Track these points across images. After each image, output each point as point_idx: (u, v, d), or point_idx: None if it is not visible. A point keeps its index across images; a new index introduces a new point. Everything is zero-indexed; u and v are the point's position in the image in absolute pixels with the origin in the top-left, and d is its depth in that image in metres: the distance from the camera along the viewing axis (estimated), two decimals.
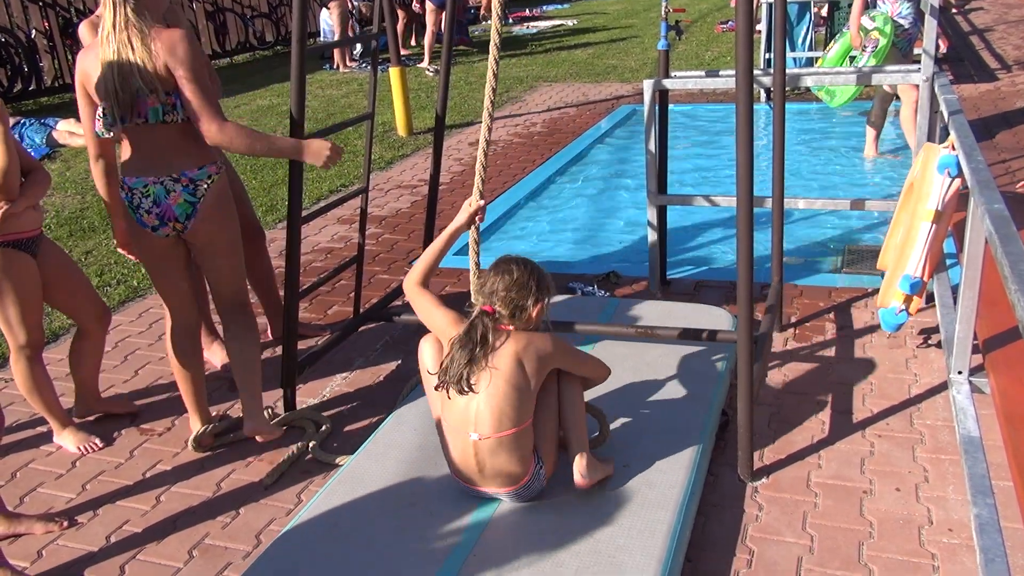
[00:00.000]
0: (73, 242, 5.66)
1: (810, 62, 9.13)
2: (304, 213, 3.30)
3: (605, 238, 5.48)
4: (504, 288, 2.50)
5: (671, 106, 4.08)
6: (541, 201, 6.27)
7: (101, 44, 2.66)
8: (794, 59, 8.86)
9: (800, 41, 9.04)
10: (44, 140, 8.10)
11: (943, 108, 3.11)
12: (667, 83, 3.97)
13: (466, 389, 2.44)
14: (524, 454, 2.50)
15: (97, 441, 3.33)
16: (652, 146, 4.02)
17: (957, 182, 2.99)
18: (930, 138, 3.61)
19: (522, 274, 2.51)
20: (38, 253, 3.09)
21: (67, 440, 3.31)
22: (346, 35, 12.15)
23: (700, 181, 6.50)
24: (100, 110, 2.74)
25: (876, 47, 5.38)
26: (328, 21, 12.41)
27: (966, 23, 12.55)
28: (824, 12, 9.90)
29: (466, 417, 2.49)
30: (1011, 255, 1.64)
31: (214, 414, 3.38)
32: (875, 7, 5.91)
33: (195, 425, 3.24)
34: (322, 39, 12.88)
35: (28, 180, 3.01)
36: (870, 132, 6.48)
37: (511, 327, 2.52)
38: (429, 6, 11.57)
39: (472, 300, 2.78)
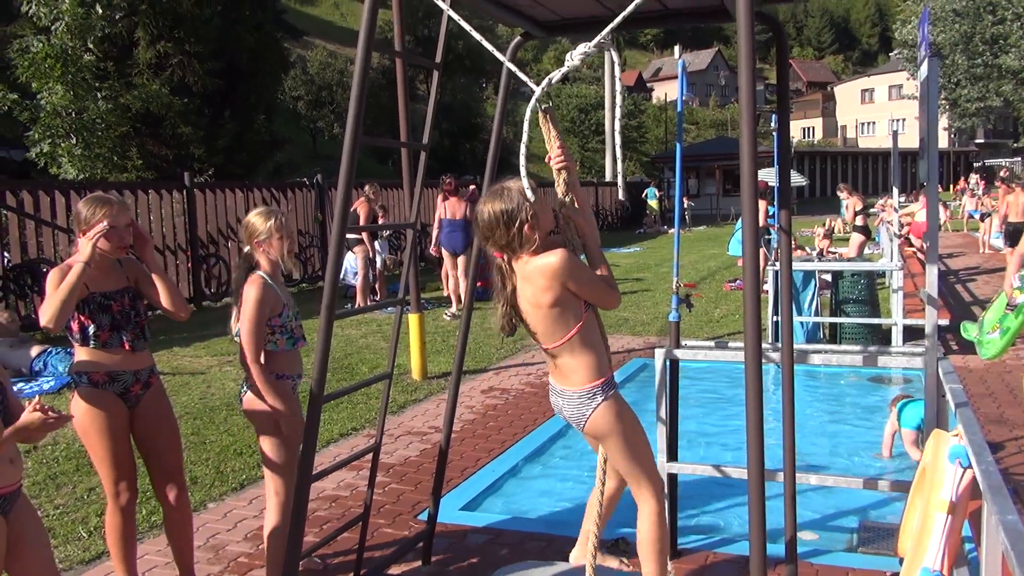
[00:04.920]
0: (79, 477, 5.62)
1: (816, 327, 9.41)
2: (315, 471, 3.31)
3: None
4: (488, 233, 2.84)
5: (683, 361, 4.19)
6: (546, 459, 6.12)
7: None
8: (801, 323, 9.13)
9: (807, 305, 9.35)
10: (67, 369, 8.25)
11: (949, 397, 3.17)
12: (678, 353, 4.09)
13: (513, 324, 3.00)
14: (576, 366, 3.04)
15: None
16: (663, 413, 4.07)
17: (971, 472, 2.97)
18: (939, 424, 3.64)
19: (492, 213, 2.80)
20: (9, 513, 2.72)
21: None
22: (368, 279, 12.68)
23: (712, 441, 6.48)
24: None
25: None
26: (352, 265, 13.02)
27: (966, 293, 13.02)
28: (828, 277, 10.34)
29: None
30: None
31: None
32: None
33: None
34: (344, 279, 13.49)
35: (11, 427, 2.66)
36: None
37: (521, 256, 2.83)
38: (445, 252, 12.04)
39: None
